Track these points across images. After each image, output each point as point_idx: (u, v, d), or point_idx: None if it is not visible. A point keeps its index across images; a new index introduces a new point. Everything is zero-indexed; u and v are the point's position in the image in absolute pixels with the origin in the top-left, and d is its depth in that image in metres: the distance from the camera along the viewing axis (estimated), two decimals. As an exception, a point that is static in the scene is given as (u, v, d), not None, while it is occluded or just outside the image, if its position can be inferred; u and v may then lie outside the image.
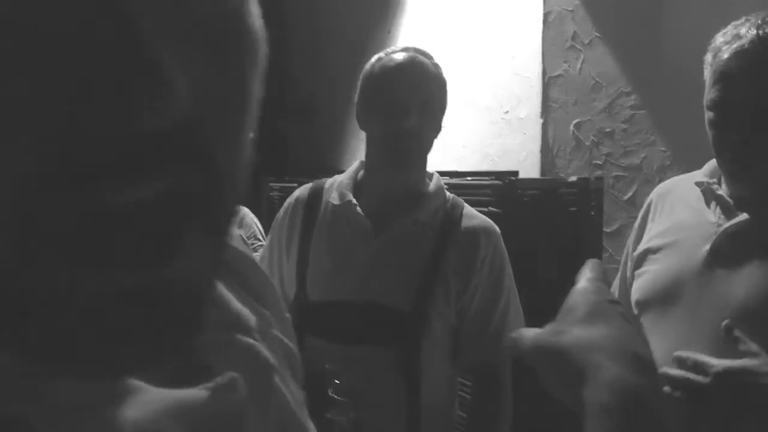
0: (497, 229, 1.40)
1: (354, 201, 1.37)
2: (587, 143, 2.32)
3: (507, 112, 2.53)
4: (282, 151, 3.60)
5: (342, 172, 1.46)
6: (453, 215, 1.37)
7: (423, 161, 1.40)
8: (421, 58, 1.37)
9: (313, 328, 1.31)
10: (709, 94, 1.14)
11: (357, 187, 1.41)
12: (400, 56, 1.36)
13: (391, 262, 1.32)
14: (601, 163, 2.29)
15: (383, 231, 1.34)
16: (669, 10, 2.17)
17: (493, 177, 2.13)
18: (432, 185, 1.41)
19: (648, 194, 2.26)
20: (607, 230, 2.16)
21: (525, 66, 2.47)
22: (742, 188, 1.16)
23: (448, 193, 1.42)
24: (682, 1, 2.15)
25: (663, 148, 2.17)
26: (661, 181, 2.27)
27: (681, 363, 1.04)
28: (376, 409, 1.24)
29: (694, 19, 2.11)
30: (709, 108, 1.14)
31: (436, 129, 1.40)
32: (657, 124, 2.20)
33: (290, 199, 1.47)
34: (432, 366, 1.30)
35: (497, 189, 2.04)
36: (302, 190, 1.47)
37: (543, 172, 2.35)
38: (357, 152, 3.23)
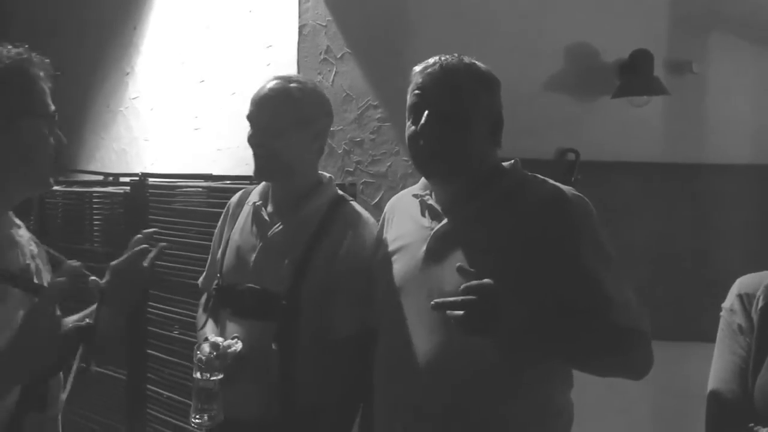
0: (369, 220, 1.61)
1: (259, 203, 1.63)
2: (339, 151, 2.45)
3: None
4: None
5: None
6: (331, 213, 1.58)
7: (297, 168, 1.58)
8: (277, 83, 1.56)
9: (223, 304, 1.63)
10: (408, 101, 1.38)
11: (268, 192, 1.66)
12: (264, 83, 1.58)
13: (276, 252, 1.56)
14: (352, 169, 2.44)
15: (274, 227, 1.58)
16: (412, 30, 2.40)
17: (249, 181, 2.14)
18: (321, 187, 1.62)
19: (392, 200, 2.48)
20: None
21: (281, 75, 2.53)
22: (441, 193, 1.40)
23: (339, 193, 1.64)
24: (424, 22, 2.40)
25: (405, 158, 2.38)
26: (404, 187, 2.49)
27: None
28: (253, 373, 1.49)
29: (434, 37, 2.36)
30: (408, 111, 1.37)
31: (298, 143, 1.55)
32: (400, 136, 2.41)
33: (228, 203, 1.76)
34: (307, 338, 1.51)
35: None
36: (236, 196, 1.77)
37: (298, 177, 2.43)
38: (97, 151, 2.98)
